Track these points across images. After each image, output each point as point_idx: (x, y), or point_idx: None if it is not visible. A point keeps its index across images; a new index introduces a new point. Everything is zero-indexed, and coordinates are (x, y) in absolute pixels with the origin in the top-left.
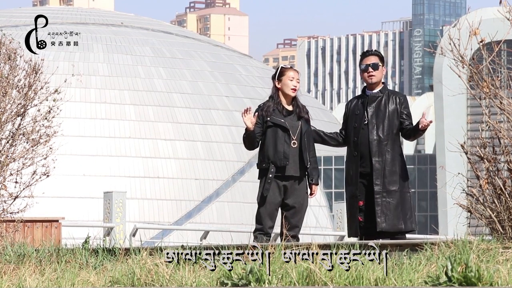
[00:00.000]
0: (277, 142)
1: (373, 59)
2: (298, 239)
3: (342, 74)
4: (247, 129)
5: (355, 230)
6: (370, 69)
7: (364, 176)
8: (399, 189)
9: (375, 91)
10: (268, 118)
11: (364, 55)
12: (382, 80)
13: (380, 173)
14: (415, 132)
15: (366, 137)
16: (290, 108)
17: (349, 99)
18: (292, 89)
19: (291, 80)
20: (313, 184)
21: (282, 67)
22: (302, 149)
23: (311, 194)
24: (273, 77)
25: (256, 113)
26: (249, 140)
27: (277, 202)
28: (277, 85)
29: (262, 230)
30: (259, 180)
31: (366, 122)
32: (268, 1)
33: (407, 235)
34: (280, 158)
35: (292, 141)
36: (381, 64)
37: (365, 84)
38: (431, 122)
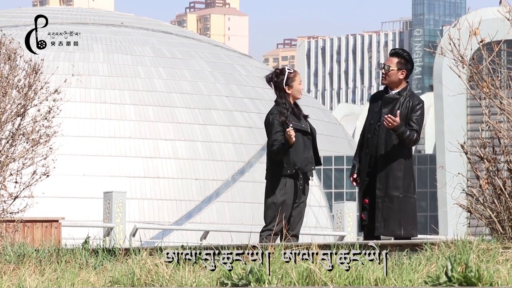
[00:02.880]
0: (300, 147)
1: (388, 61)
2: (297, 238)
3: (342, 74)
4: (287, 143)
5: (360, 228)
6: (382, 71)
7: (370, 175)
8: (402, 195)
9: (393, 92)
10: (290, 125)
11: (389, 53)
12: (407, 80)
13: (383, 177)
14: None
15: (376, 138)
16: (295, 110)
17: (373, 93)
18: (301, 93)
19: (300, 84)
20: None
21: (289, 72)
22: (314, 149)
23: None
24: (277, 81)
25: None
26: (286, 150)
27: (292, 203)
28: (287, 90)
29: (271, 229)
30: (268, 180)
31: (379, 123)
32: (268, 1)
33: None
34: (306, 164)
35: (310, 144)
36: (395, 68)
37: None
38: (387, 117)
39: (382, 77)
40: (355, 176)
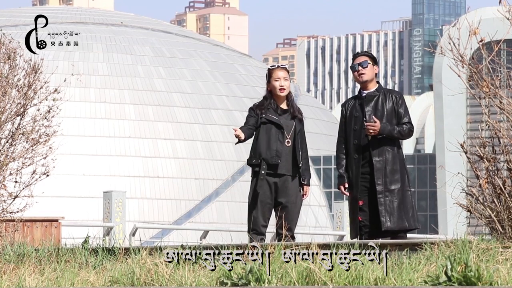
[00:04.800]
0: (271, 139)
1: (362, 59)
2: (293, 238)
3: (341, 73)
4: (239, 139)
5: (355, 232)
6: (360, 68)
7: (365, 176)
8: (400, 188)
9: (370, 90)
10: (263, 115)
11: (355, 57)
12: (377, 80)
13: (381, 173)
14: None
15: (366, 137)
16: (284, 107)
17: (344, 101)
18: (280, 89)
19: (277, 81)
20: (305, 185)
21: (268, 68)
22: (295, 148)
23: (303, 195)
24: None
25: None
26: (244, 140)
27: (269, 200)
28: (268, 87)
29: (255, 229)
30: (251, 178)
31: (365, 122)
32: (268, 0)
33: (408, 234)
34: (272, 155)
35: (286, 140)
36: (370, 63)
37: (359, 86)
38: (368, 125)
39: (362, 74)
40: (346, 185)
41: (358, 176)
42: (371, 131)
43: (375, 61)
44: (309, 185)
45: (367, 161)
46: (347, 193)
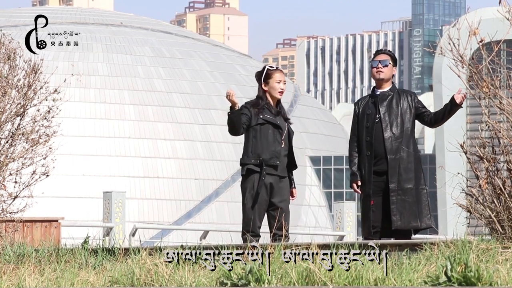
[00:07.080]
0: (269, 140)
1: (383, 57)
2: (288, 238)
3: (341, 74)
4: (232, 109)
5: (367, 230)
6: (379, 65)
7: (379, 174)
8: (414, 187)
9: (385, 89)
10: (261, 116)
11: (377, 53)
12: (392, 80)
13: (395, 171)
14: (450, 110)
15: (380, 135)
16: (273, 108)
17: (357, 99)
18: (279, 92)
19: (278, 83)
20: (293, 188)
21: (268, 69)
22: (290, 151)
23: (292, 197)
24: (259, 78)
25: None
26: (235, 120)
27: (265, 201)
28: (264, 87)
29: (253, 231)
30: (242, 176)
31: (378, 120)
32: (268, 1)
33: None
34: (272, 156)
35: (282, 141)
36: (391, 63)
37: (374, 85)
38: (465, 95)
39: (380, 71)
40: (359, 183)
41: (371, 173)
42: (463, 99)
43: (395, 63)
44: (295, 188)
45: (380, 159)
46: (360, 191)
